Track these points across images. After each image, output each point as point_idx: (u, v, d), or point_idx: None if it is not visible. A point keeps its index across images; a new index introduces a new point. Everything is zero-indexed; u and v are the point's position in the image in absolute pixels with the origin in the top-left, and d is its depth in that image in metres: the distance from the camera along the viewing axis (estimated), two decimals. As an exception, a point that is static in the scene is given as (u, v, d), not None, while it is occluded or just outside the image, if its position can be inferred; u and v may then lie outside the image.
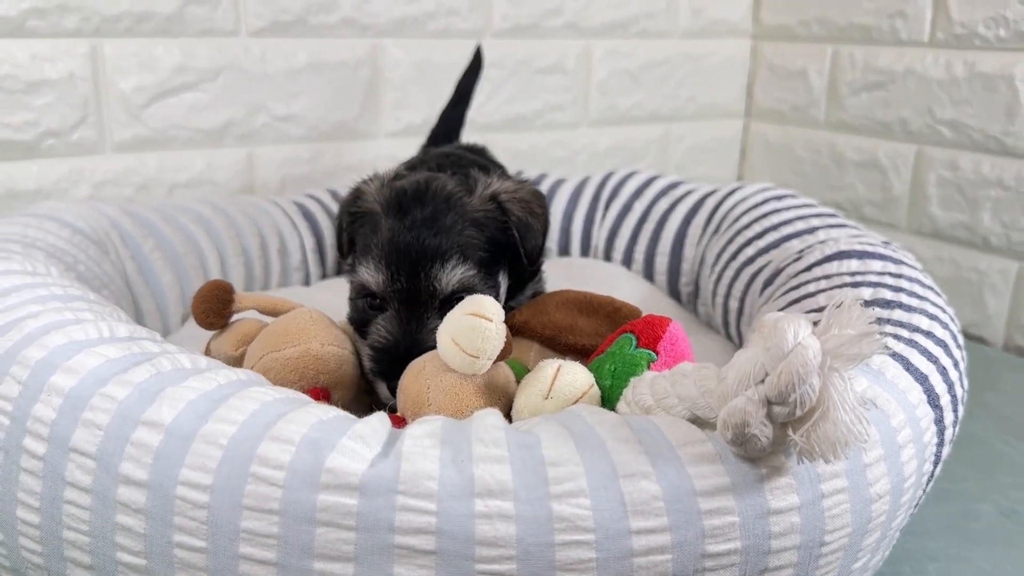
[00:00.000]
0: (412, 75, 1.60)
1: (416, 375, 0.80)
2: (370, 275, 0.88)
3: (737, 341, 1.18)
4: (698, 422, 0.65)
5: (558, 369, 0.75)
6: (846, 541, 0.65)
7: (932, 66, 1.65)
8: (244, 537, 0.58)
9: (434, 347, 0.81)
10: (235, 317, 0.91)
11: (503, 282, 0.96)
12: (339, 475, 0.57)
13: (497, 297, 0.94)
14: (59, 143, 1.33)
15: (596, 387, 0.76)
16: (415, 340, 0.86)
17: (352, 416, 0.65)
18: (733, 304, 1.16)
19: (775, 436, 0.59)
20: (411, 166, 1.11)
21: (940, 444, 0.77)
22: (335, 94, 1.54)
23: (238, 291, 0.90)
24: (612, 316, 0.90)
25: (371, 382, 0.90)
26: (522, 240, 0.93)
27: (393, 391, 0.86)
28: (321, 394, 0.85)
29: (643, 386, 0.70)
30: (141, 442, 0.61)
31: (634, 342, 0.78)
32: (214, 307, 0.88)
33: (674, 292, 1.36)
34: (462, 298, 0.86)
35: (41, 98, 1.30)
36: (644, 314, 0.87)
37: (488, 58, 1.68)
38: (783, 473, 0.62)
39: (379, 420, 0.65)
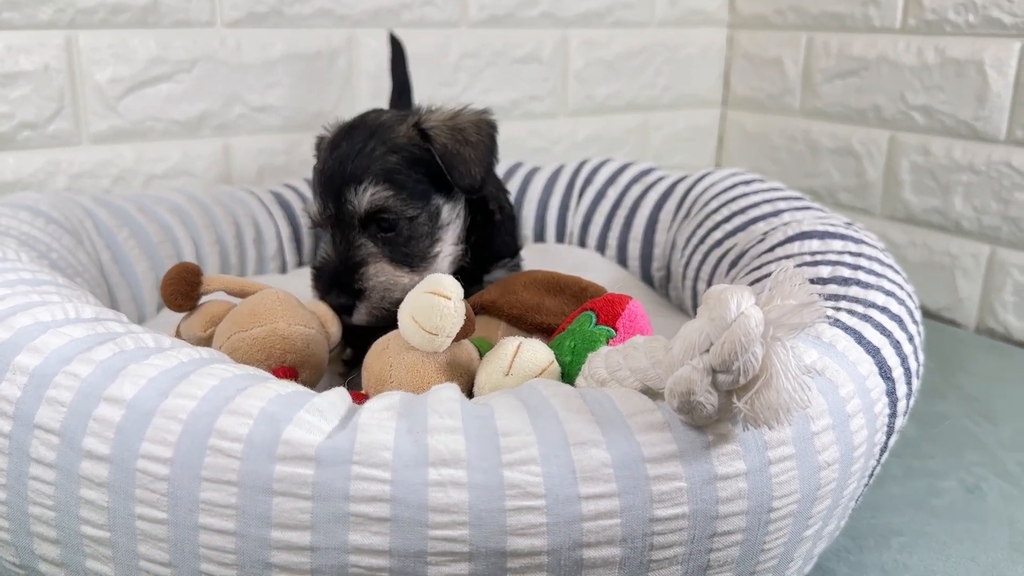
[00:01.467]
0: (387, 65, 1.61)
1: (380, 353, 0.82)
2: (311, 207, 0.98)
3: (706, 323, 1.19)
4: (649, 392, 0.67)
5: (518, 346, 0.77)
6: (795, 508, 0.67)
7: (904, 52, 1.67)
8: (203, 508, 0.59)
9: (360, 263, 0.93)
10: (204, 299, 0.93)
11: (448, 206, 0.99)
12: (295, 447, 0.59)
13: (437, 222, 0.98)
14: (35, 135, 1.34)
15: (556, 364, 0.78)
16: (344, 258, 0.95)
17: (311, 391, 0.67)
18: (701, 287, 1.18)
19: (720, 404, 0.61)
20: None
21: (892, 415, 0.79)
22: (311, 85, 1.55)
23: (207, 273, 0.92)
24: (579, 296, 0.91)
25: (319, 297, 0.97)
26: (448, 169, 0.96)
27: (334, 307, 0.95)
28: (288, 373, 0.86)
29: (598, 360, 0.71)
30: (103, 418, 0.62)
31: (594, 319, 0.80)
32: (182, 289, 0.90)
33: (647, 277, 1.38)
34: (384, 218, 0.95)
35: (16, 90, 1.31)
36: (627, 292, 0.89)
37: (464, 48, 1.69)
38: (729, 440, 0.64)
39: (338, 395, 0.66)
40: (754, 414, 0.60)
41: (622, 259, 1.40)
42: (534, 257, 1.33)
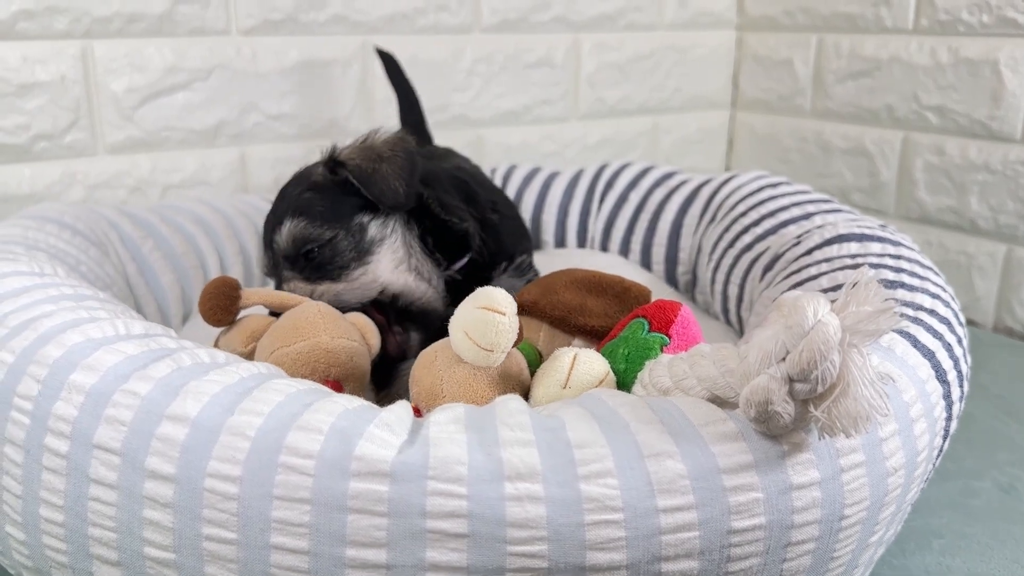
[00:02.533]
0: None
1: (428, 366, 0.80)
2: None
3: (737, 326, 1.19)
4: (717, 401, 0.66)
5: (574, 358, 0.76)
6: (864, 515, 0.67)
7: (917, 53, 1.67)
8: (275, 527, 0.58)
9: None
10: (241, 313, 0.91)
11: (376, 226, 0.99)
12: (369, 462, 0.58)
13: (363, 237, 0.97)
14: (51, 146, 1.32)
15: (612, 374, 0.77)
16: None
17: (376, 406, 0.66)
18: (732, 290, 1.17)
19: (796, 413, 0.60)
20: None
21: (949, 419, 0.79)
22: (326, 92, 1.54)
23: (244, 287, 0.90)
24: (621, 296, 0.89)
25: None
26: (365, 187, 0.97)
27: None
28: (333, 387, 0.85)
29: (660, 368, 0.70)
30: (167, 436, 0.61)
31: (646, 326, 0.79)
32: (221, 303, 0.88)
33: (671, 281, 1.37)
34: (309, 249, 0.96)
35: (33, 101, 1.29)
36: (653, 295, 0.88)
37: (477, 53, 1.68)
38: (803, 449, 0.63)
39: (403, 408, 0.65)
40: (831, 423, 0.60)
41: (646, 263, 1.39)
42: (556, 262, 1.32)
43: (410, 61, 1.60)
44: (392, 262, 0.99)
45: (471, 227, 1.04)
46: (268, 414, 0.61)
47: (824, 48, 1.85)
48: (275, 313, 0.93)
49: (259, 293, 0.91)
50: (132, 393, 0.63)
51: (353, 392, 0.88)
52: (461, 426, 0.62)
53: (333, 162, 1.00)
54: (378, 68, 1.58)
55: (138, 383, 0.64)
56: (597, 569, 0.58)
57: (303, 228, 0.96)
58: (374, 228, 0.99)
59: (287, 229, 0.96)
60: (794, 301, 0.60)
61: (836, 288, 0.91)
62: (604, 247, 1.44)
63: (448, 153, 1.34)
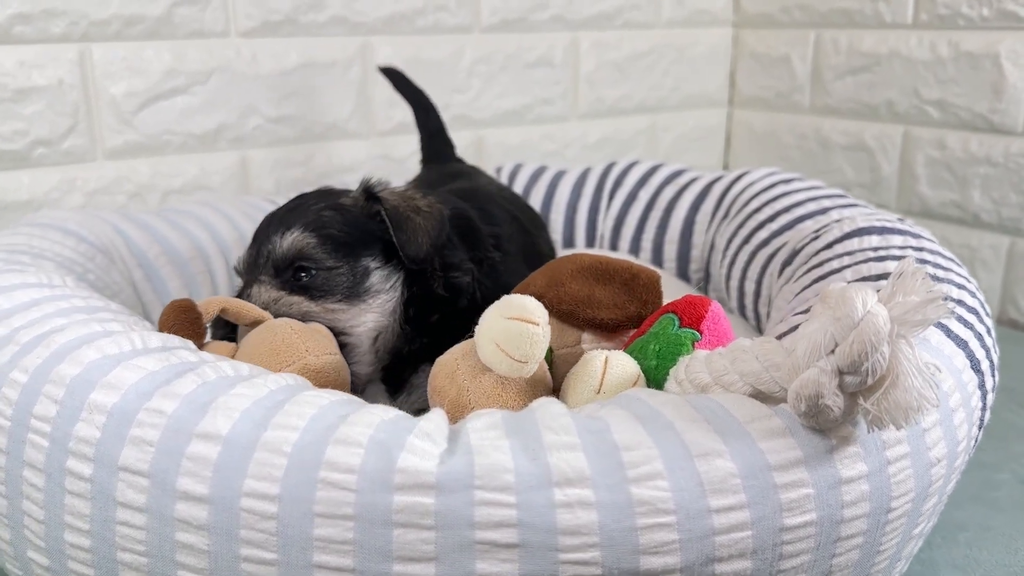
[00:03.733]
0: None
1: (450, 376, 0.78)
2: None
3: (754, 321, 1.18)
4: (759, 397, 0.65)
5: (606, 361, 0.74)
6: (909, 507, 0.66)
7: (917, 47, 1.67)
8: (318, 545, 0.56)
9: (253, 296, 0.89)
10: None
11: (380, 272, 0.94)
12: (413, 475, 0.56)
13: (362, 282, 0.92)
14: (50, 152, 1.29)
15: (642, 374, 0.75)
16: (245, 292, 0.92)
17: (409, 415, 0.64)
18: (749, 286, 1.16)
19: (845, 406, 0.59)
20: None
21: (983, 408, 0.78)
22: (327, 94, 1.52)
23: (197, 301, 0.86)
24: (630, 284, 0.85)
25: None
26: (396, 230, 0.92)
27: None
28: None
29: (697, 364, 0.69)
30: (198, 456, 0.58)
31: (677, 322, 0.77)
32: (189, 329, 0.82)
33: (683, 278, 1.36)
34: (303, 266, 0.90)
35: (30, 106, 1.26)
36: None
37: (477, 53, 1.67)
38: (851, 442, 0.62)
39: (439, 416, 0.63)
40: (881, 415, 0.58)
41: (657, 261, 1.38)
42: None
43: (410, 62, 1.58)
44: (373, 321, 0.93)
45: (467, 281, 0.99)
46: (303, 428, 0.59)
47: (822, 44, 1.85)
48: (224, 326, 0.89)
49: (216, 302, 0.85)
50: (157, 412, 0.61)
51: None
52: (501, 432, 0.60)
53: (369, 193, 0.95)
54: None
55: (163, 401, 0.61)
56: (652, 574, 0.56)
57: (310, 246, 0.90)
58: (376, 277, 0.93)
59: (293, 238, 0.90)
60: (841, 292, 0.59)
61: (861, 280, 0.90)
62: (614, 245, 1.43)
63: (473, 174, 1.31)
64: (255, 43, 1.43)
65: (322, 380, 0.82)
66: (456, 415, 0.76)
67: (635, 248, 1.40)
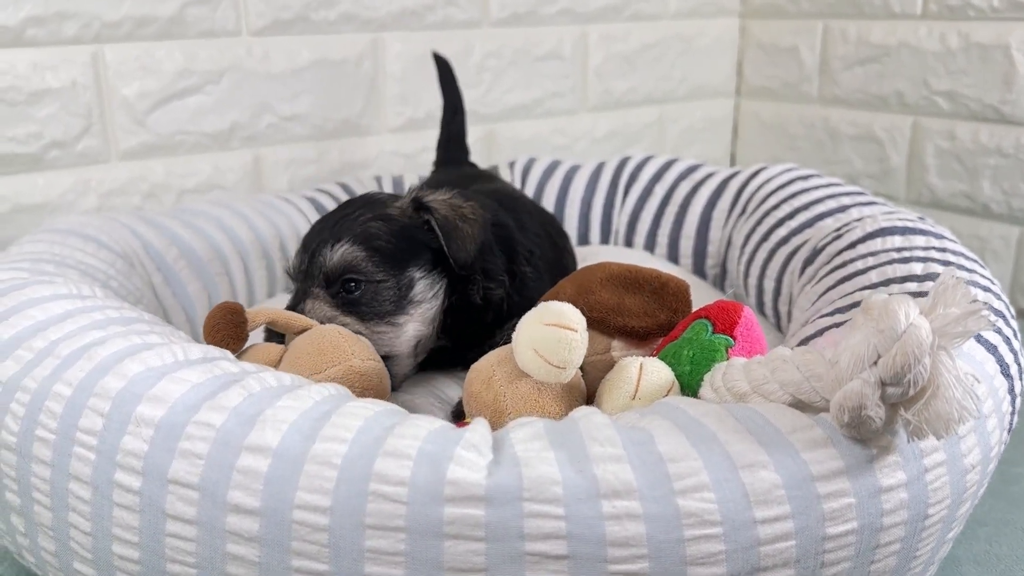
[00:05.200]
0: (413, 68, 1.58)
1: (486, 382, 0.79)
2: (289, 261, 0.98)
3: (773, 319, 1.18)
4: (799, 406, 0.65)
5: (640, 367, 0.74)
6: (945, 513, 0.66)
7: (926, 38, 1.67)
8: (369, 556, 0.56)
9: (307, 309, 0.91)
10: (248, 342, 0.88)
11: (424, 282, 0.96)
12: (463, 487, 0.56)
13: (408, 293, 0.94)
14: (64, 154, 1.28)
15: (676, 381, 0.76)
16: (301, 303, 0.94)
17: (453, 425, 0.64)
18: (768, 284, 1.16)
19: (887, 416, 0.60)
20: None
21: (1013, 413, 0.78)
22: (338, 91, 1.51)
23: (247, 308, 0.86)
24: (659, 292, 0.86)
25: None
26: (446, 239, 0.94)
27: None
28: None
29: (735, 372, 0.69)
30: (248, 468, 0.59)
31: (710, 328, 0.78)
32: (231, 332, 0.83)
33: (699, 273, 1.36)
34: (351, 279, 0.92)
35: (44, 108, 1.25)
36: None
37: (487, 48, 1.66)
38: (891, 451, 0.62)
39: (483, 426, 0.64)
40: (921, 425, 0.59)
41: (673, 257, 1.38)
42: (582, 263, 1.31)
43: (420, 58, 1.58)
44: (414, 331, 0.95)
45: (500, 294, 1.01)
46: (352, 440, 0.59)
47: (831, 34, 1.85)
48: (274, 333, 0.90)
49: (266, 313, 0.87)
50: (206, 424, 0.61)
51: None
52: (546, 443, 0.61)
53: (418, 202, 0.97)
54: (389, 65, 1.56)
55: (211, 414, 0.62)
56: (698, 584, 0.57)
57: (359, 259, 0.92)
58: (420, 287, 0.95)
59: (342, 251, 0.92)
60: (884, 304, 0.60)
61: (885, 283, 0.90)
62: (629, 241, 1.43)
63: (491, 177, 1.32)
64: (267, 41, 1.42)
65: (364, 383, 0.83)
66: (493, 420, 0.77)
67: (650, 244, 1.40)
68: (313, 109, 1.50)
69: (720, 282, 1.33)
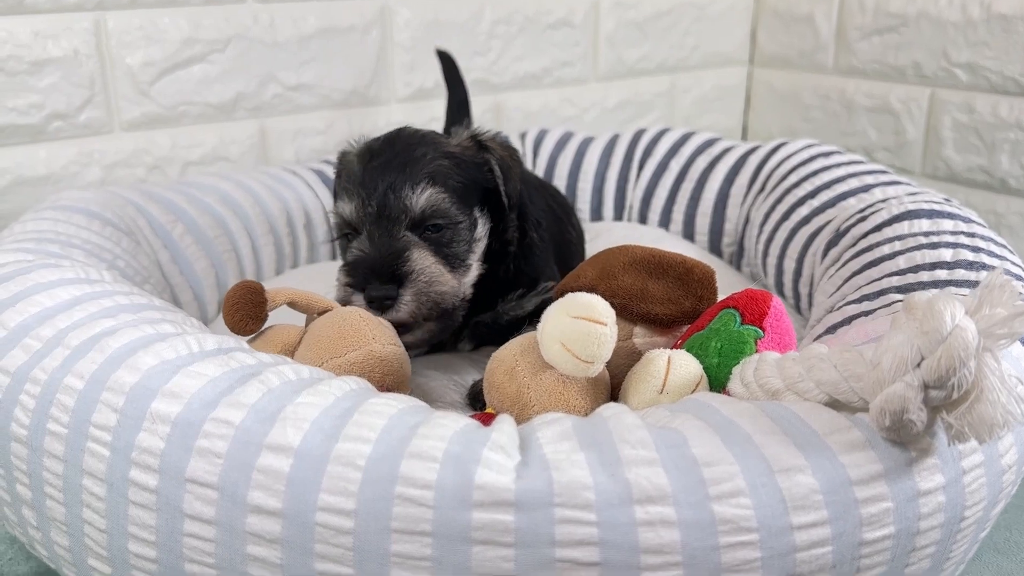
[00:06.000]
0: (421, 36, 1.54)
1: (509, 373, 0.77)
2: (345, 207, 0.92)
3: (793, 300, 1.16)
4: (834, 405, 0.63)
5: (668, 361, 0.72)
6: (981, 514, 0.65)
7: (947, 8, 1.62)
8: (395, 561, 0.55)
9: (400, 251, 0.88)
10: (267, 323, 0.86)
11: (481, 221, 0.97)
12: (492, 491, 0.55)
13: (473, 233, 0.95)
14: (66, 125, 1.25)
15: (704, 374, 0.74)
16: (384, 250, 0.89)
17: (479, 423, 0.62)
18: (789, 264, 1.14)
19: (928, 419, 0.58)
20: None
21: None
22: (346, 60, 1.47)
23: (267, 288, 0.85)
24: (684, 278, 0.83)
25: (344, 299, 0.90)
26: (504, 179, 0.95)
27: (369, 301, 0.88)
28: (387, 395, 0.81)
29: (768, 368, 0.67)
30: (269, 468, 0.57)
31: (738, 319, 0.76)
32: (250, 312, 0.82)
33: (715, 251, 1.34)
34: (437, 225, 0.91)
35: (45, 78, 1.21)
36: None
37: (496, 15, 1.62)
38: (930, 454, 0.61)
39: (510, 425, 0.62)
40: (964, 429, 0.57)
41: (688, 234, 1.35)
42: (595, 240, 1.28)
43: (430, 25, 1.53)
44: (477, 269, 0.97)
45: (515, 239, 1.01)
46: (376, 440, 0.57)
47: (847, 3, 1.80)
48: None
49: (286, 293, 0.85)
50: (224, 422, 0.59)
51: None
52: (575, 443, 0.59)
53: (478, 141, 0.97)
54: (397, 33, 1.51)
55: (229, 411, 0.60)
56: (732, 591, 0.55)
57: (442, 200, 0.91)
58: (480, 227, 0.96)
59: (427, 194, 0.90)
60: (929, 304, 0.57)
61: (914, 269, 0.88)
62: (643, 217, 1.40)
63: None
64: (273, 8, 1.38)
65: (384, 369, 0.82)
66: (517, 413, 0.75)
67: (665, 221, 1.37)
68: (320, 79, 1.46)
69: (737, 261, 1.31)
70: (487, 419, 0.72)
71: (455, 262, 0.93)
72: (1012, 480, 0.68)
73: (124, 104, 1.29)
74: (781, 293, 1.19)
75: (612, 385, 0.80)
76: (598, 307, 0.70)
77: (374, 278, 0.88)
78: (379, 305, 0.88)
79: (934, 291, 0.62)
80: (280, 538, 0.56)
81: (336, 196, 0.98)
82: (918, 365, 0.57)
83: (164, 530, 0.59)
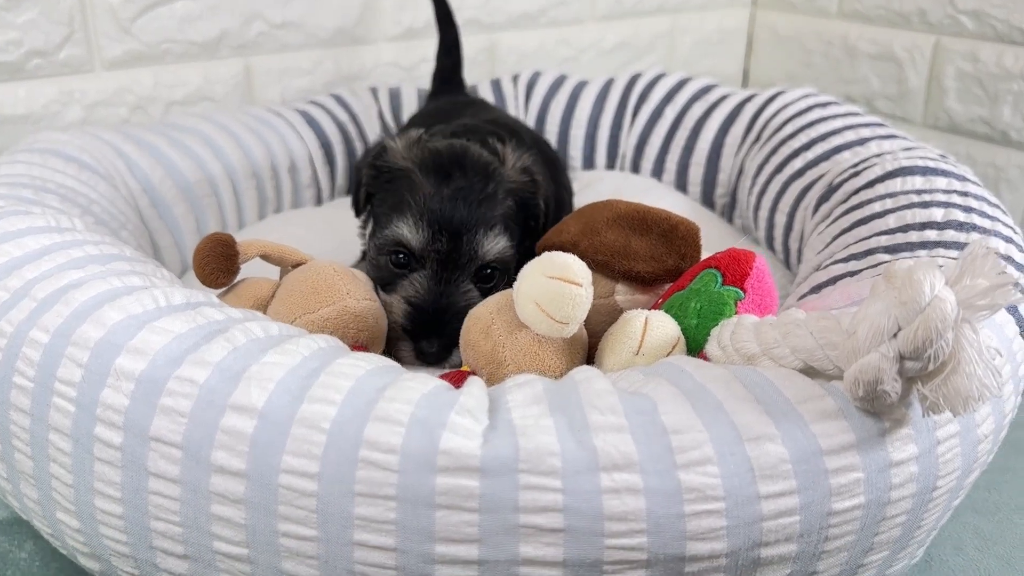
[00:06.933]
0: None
1: (484, 331, 0.76)
2: (409, 232, 0.87)
3: (783, 255, 1.14)
4: (809, 372, 0.62)
5: (646, 322, 0.71)
6: (953, 484, 0.65)
7: (956, -48, 1.57)
8: (358, 524, 0.54)
9: (463, 310, 0.83)
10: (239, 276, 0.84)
11: (517, 253, 0.94)
12: (457, 457, 0.54)
13: (508, 271, 0.91)
14: (45, 63, 1.22)
15: (682, 336, 0.73)
16: (449, 301, 0.86)
17: (448, 385, 0.61)
18: (780, 219, 1.12)
19: (903, 390, 0.57)
20: (429, 125, 1.04)
21: (1029, 370, 0.76)
22: (333, -4, 1.43)
23: (238, 239, 0.82)
24: (668, 235, 0.82)
25: (395, 339, 0.88)
26: (549, 221, 0.94)
27: (419, 353, 0.87)
28: (360, 351, 0.80)
29: (744, 332, 0.66)
30: (233, 429, 0.56)
31: (719, 279, 0.74)
32: (220, 264, 0.79)
33: (708, 202, 1.32)
34: (496, 269, 0.89)
35: (23, 14, 1.17)
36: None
37: (492, -49, 1.57)
38: (904, 424, 0.60)
39: (479, 389, 0.61)
40: (939, 401, 0.56)
41: (681, 184, 1.33)
42: (585, 190, 1.26)
43: (421, -40, 1.49)
44: None
45: None
46: (341, 403, 0.57)
47: (855, -56, 1.74)
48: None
49: (258, 245, 0.83)
50: (188, 381, 0.58)
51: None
52: (544, 408, 0.58)
53: (532, 179, 0.94)
54: (387, -30, 1.47)
55: (193, 369, 0.59)
56: (697, 559, 0.55)
57: (508, 249, 0.89)
58: (516, 259, 0.92)
59: (500, 245, 0.88)
60: (908, 273, 0.56)
61: (903, 228, 0.86)
62: (636, 166, 1.38)
63: (485, 106, 1.27)
64: (257, -59, 1.34)
65: (359, 325, 0.81)
66: (491, 371, 0.75)
67: (658, 170, 1.35)
68: (306, 16, 1.41)
69: (729, 212, 1.29)
70: (461, 376, 0.71)
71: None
72: (988, 449, 0.68)
73: (105, 41, 1.25)
74: (771, 247, 1.17)
75: (591, 343, 0.79)
76: (574, 267, 0.68)
77: (433, 334, 0.86)
78: (425, 360, 0.87)
79: (915, 260, 0.61)
80: (244, 499, 0.56)
81: (370, 203, 0.96)
82: (895, 335, 0.55)
83: (129, 487, 0.59)
